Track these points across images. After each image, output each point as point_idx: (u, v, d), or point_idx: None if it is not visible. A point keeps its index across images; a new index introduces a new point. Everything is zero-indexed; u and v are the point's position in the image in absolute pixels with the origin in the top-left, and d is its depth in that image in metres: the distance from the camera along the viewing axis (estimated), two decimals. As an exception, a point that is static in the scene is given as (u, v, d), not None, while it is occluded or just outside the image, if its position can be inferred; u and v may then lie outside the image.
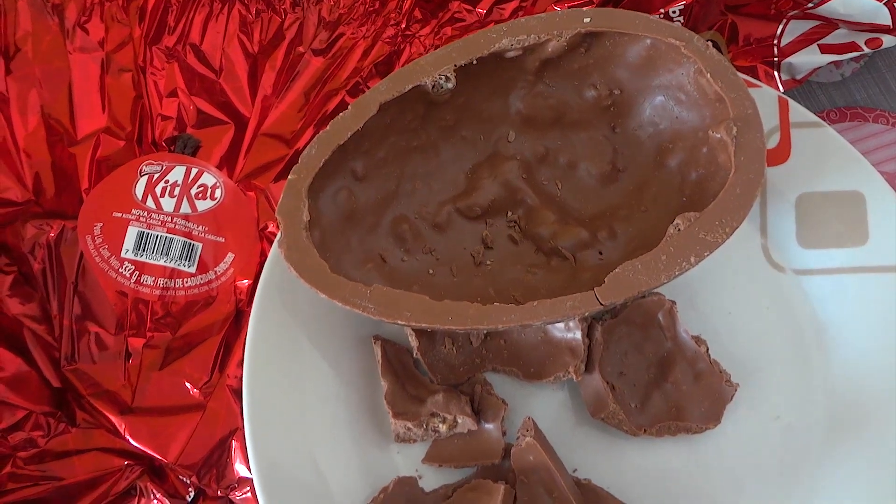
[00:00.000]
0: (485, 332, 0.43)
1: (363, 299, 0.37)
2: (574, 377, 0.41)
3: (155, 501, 0.41)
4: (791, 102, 0.47)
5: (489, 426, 0.41)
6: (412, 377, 0.43)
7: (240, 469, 0.41)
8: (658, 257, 0.36)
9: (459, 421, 0.41)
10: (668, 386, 0.43)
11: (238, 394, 0.42)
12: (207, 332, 0.44)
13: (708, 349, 0.43)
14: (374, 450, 0.42)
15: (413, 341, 0.42)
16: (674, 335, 0.43)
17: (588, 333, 0.42)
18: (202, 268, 0.46)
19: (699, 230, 0.37)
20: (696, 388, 0.43)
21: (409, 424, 0.41)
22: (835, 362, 0.44)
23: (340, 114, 0.40)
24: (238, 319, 0.45)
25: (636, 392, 0.43)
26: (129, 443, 0.42)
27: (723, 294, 0.45)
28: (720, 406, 0.42)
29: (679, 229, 0.38)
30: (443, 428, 0.41)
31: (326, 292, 0.37)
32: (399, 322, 0.36)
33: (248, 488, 0.41)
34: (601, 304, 0.36)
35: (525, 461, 0.40)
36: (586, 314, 0.36)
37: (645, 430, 0.42)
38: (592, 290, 0.36)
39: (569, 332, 0.42)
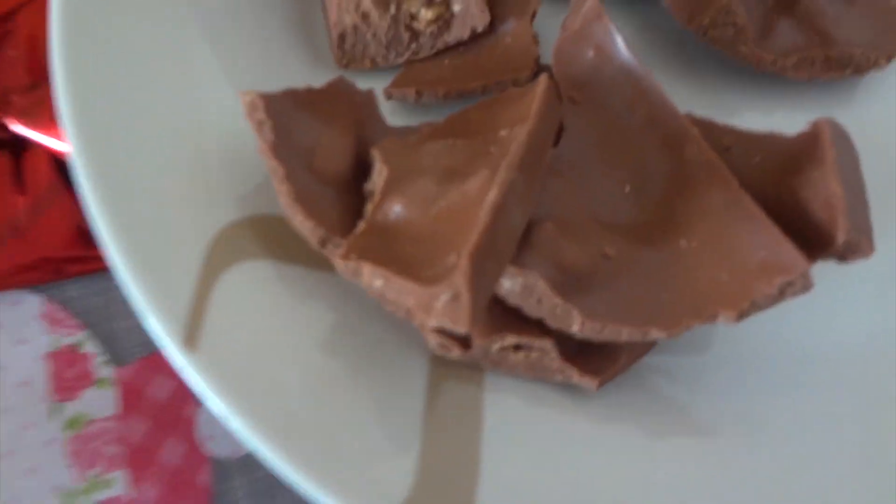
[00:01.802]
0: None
1: None
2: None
3: None
4: None
5: (509, 25, 0.23)
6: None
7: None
8: None
9: (456, 6, 0.22)
10: (800, 10, 0.26)
11: None
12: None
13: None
14: (296, 76, 0.23)
15: None
16: (806, -65, 0.27)
17: None
18: None
19: None
20: (850, 10, 0.26)
21: (365, 3, 0.22)
22: None
23: None
24: None
25: (750, 21, 0.26)
26: None
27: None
28: (892, 35, 0.26)
29: None
30: (425, 16, 0.22)
31: None
32: None
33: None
34: None
35: (581, 59, 0.22)
36: None
37: (775, 62, 0.25)
38: None
39: None
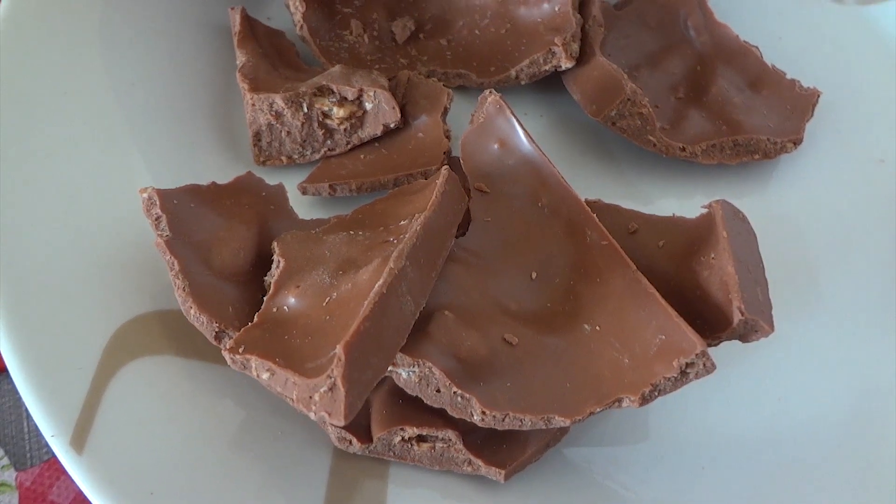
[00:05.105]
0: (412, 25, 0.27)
1: None
2: (562, 60, 0.25)
3: None
4: None
5: (422, 121, 0.24)
6: (290, 63, 0.25)
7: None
8: None
9: (368, 104, 0.23)
10: (709, 100, 0.27)
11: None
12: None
13: (762, 55, 0.28)
14: (218, 173, 0.24)
15: (296, 7, 0.25)
16: (710, 30, 0.28)
17: (580, 10, 0.27)
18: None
19: None
20: (756, 98, 0.27)
21: (277, 104, 0.23)
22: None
23: None
24: None
25: (661, 114, 0.26)
26: None
27: (770, 20, 0.30)
28: (797, 121, 0.27)
29: None
30: (337, 114, 0.23)
31: None
32: None
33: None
34: None
35: (486, 151, 0.22)
36: None
37: (684, 149, 0.25)
38: None
39: (548, 2, 0.27)
